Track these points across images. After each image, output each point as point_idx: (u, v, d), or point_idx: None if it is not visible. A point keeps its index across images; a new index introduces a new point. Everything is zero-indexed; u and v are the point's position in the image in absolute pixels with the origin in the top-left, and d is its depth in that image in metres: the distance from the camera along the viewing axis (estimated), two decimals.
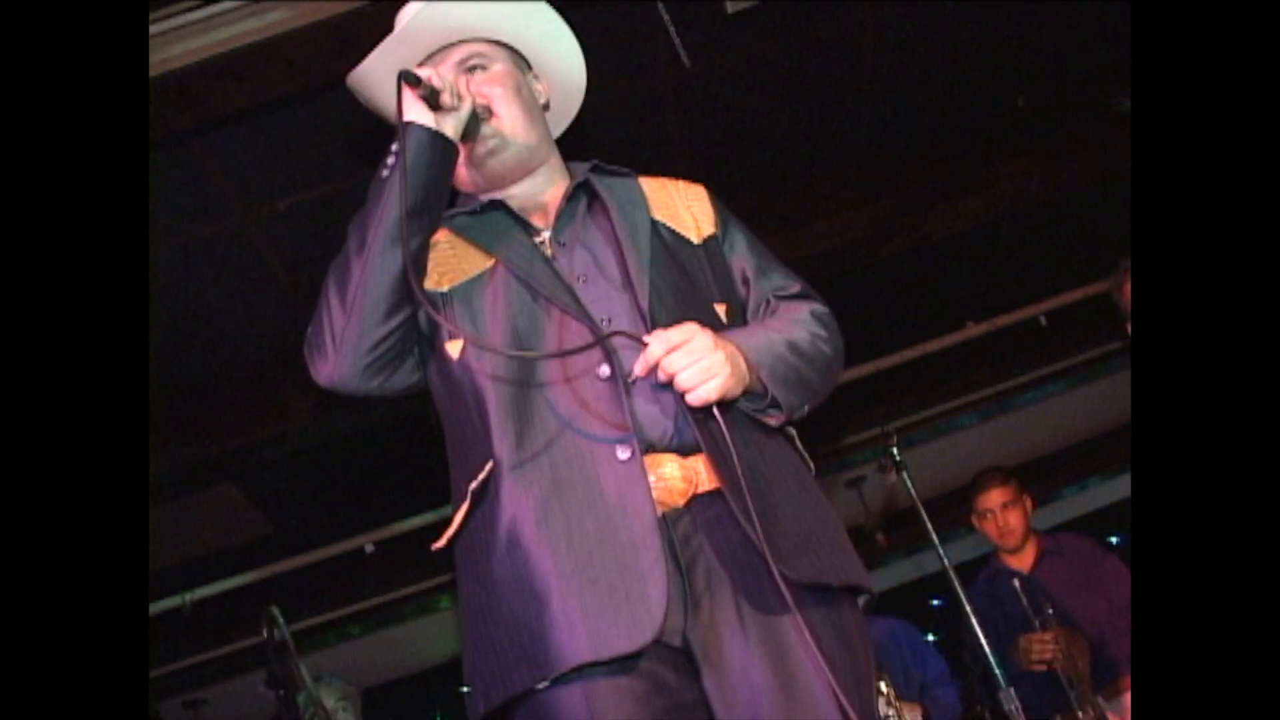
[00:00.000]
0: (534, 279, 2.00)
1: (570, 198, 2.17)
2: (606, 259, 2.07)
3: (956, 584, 3.67)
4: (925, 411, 7.00)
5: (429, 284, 2.05)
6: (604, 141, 4.66)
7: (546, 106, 2.37)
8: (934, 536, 3.68)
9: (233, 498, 6.16)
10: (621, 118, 4.59)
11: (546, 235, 2.12)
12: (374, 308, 1.93)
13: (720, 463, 1.84)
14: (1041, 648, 4.35)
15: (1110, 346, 6.78)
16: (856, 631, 1.91)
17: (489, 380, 1.93)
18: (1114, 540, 8.22)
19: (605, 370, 1.90)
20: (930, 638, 8.12)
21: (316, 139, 4.21)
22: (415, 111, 1.95)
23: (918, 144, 5.17)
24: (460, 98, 2.03)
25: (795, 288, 2.24)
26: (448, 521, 1.94)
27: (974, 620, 3.71)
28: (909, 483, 3.71)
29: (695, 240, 2.20)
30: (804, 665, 1.78)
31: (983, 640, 3.66)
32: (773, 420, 2.00)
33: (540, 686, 1.76)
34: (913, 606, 8.23)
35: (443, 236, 2.12)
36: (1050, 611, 4.41)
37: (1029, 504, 5.05)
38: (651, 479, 1.85)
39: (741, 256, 2.27)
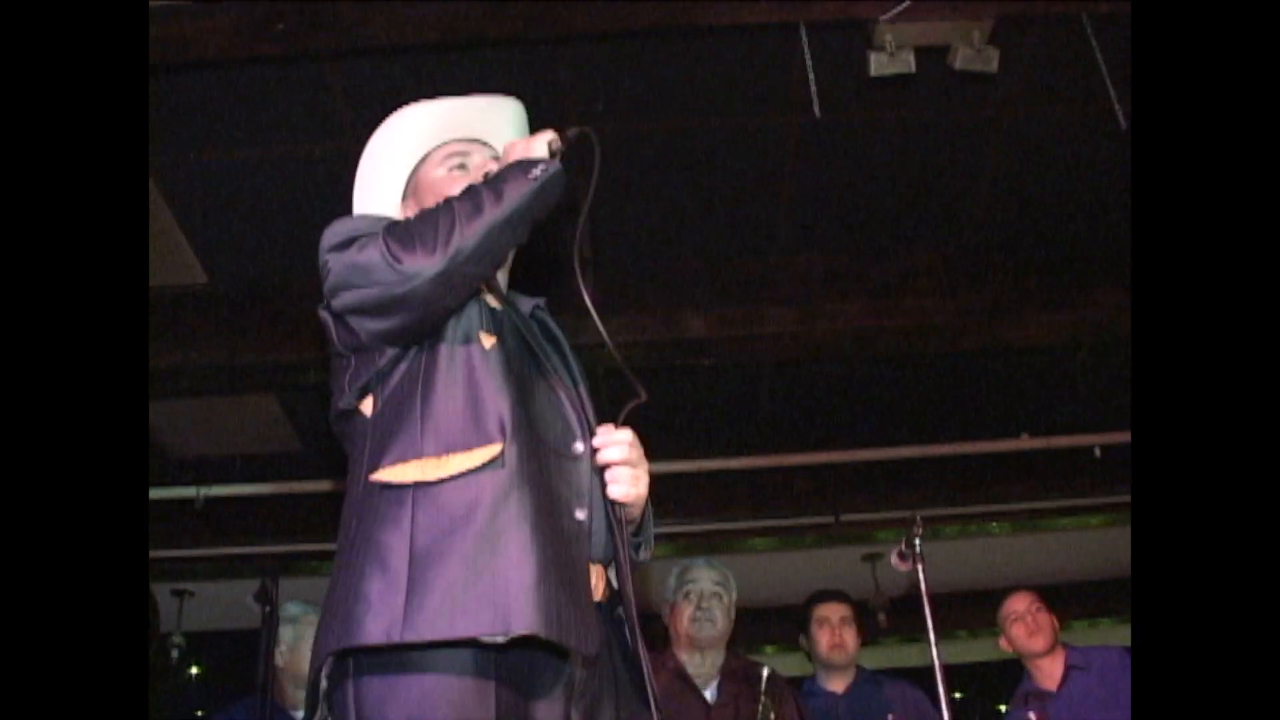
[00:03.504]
0: (531, 334, 2.29)
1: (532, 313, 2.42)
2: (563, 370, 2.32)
3: (941, 686, 3.63)
4: (958, 508, 6.96)
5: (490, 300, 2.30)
6: (718, 167, 4.72)
7: None
8: (932, 633, 3.64)
9: (271, 409, 6.24)
10: (740, 147, 4.62)
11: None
12: (488, 246, 2.09)
13: (623, 578, 2.13)
14: None
15: None
16: None
17: (504, 384, 2.09)
18: None
19: (579, 447, 2.15)
20: None
21: (441, 89, 4.26)
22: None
23: (1021, 248, 5.15)
24: None
25: None
26: None
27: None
28: (922, 575, 3.69)
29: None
30: None
31: None
32: (645, 555, 2.30)
33: (486, 639, 1.82)
34: None
35: None
36: None
37: (1055, 619, 4.98)
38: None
39: None
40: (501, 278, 2.42)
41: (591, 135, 2.23)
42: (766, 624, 8.03)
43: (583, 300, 2.20)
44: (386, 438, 2.06)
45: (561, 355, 2.34)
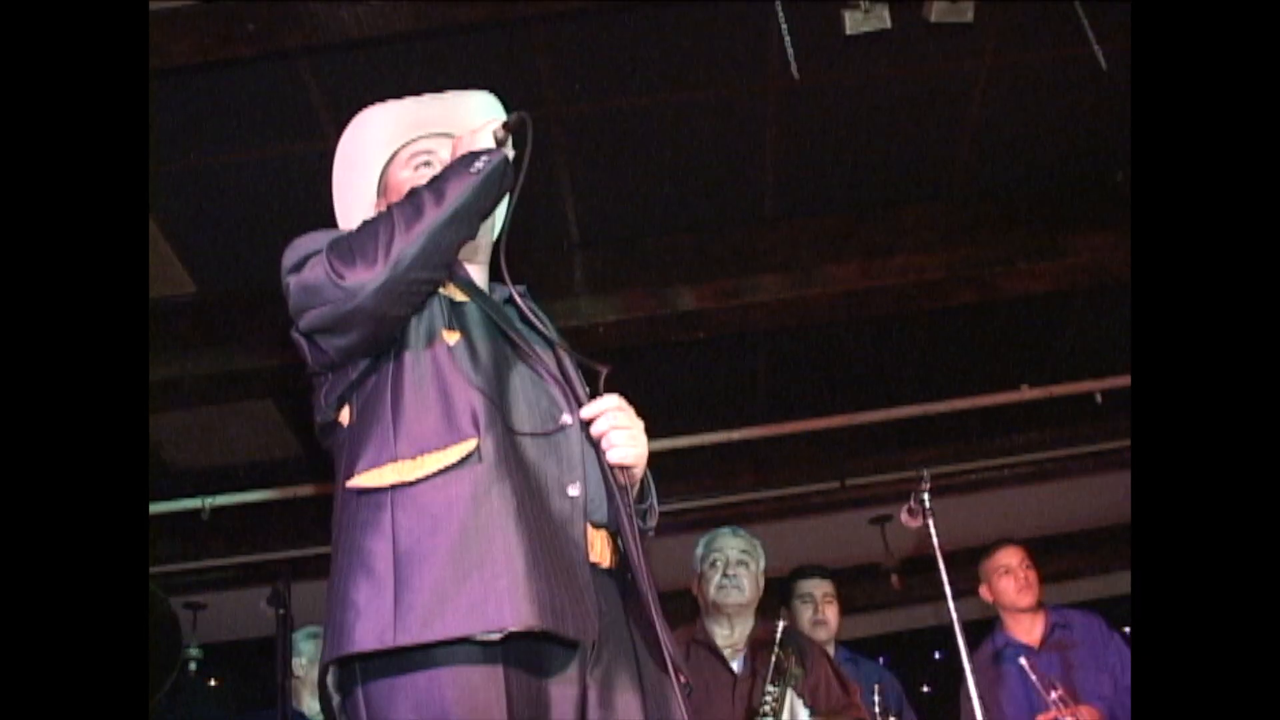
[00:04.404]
0: (504, 320, 2.22)
1: (505, 301, 2.35)
2: (544, 352, 2.27)
3: (962, 643, 3.62)
4: (963, 464, 6.95)
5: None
6: (700, 138, 4.70)
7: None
8: (948, 589, 3.63)
9: (269, 414, 6.23)
10: (720, 116, 4.60)
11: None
12: (432, 249, 2.06)
13: (631, 543, 2.07)
14: None
15: None
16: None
17: (473, 378, 2.07)
18: (1126, 630, 8.16)
19: (567, 419, 2.13)
20: (925, 689, 8.09)
21: (419, 80, 4.23)
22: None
23: (1009, 198, 5.14)
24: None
25: None
26: None
27: (970, 682, 3.66)
28: (933, 529, 3.67)
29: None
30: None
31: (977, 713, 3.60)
32: (651, 522, 2.26)
33: (480, 637, 1.81)
34: (914, 655, 8.18)
35: None
36: (1058, 694, 4.32)
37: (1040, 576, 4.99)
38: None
39: None
40: (477, 272, 2.38)
41: (527, 119, 2.20)
42: (777, 594, 8.04)
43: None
44: (362, 444, 2.05)
45: (544, 335, 2.32)
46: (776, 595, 5.10)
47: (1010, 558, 4.88)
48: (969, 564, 4.92)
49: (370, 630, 1.82)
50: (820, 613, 4.77)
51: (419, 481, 1.95)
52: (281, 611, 3.89)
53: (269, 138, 4.44)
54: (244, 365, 5.16)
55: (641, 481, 2.25)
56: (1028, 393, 6.36)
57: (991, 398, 6.38)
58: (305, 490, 6.54)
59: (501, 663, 1.84)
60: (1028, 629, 4.81)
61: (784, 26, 4.00)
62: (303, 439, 6.49)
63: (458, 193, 2.08)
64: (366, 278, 2.00)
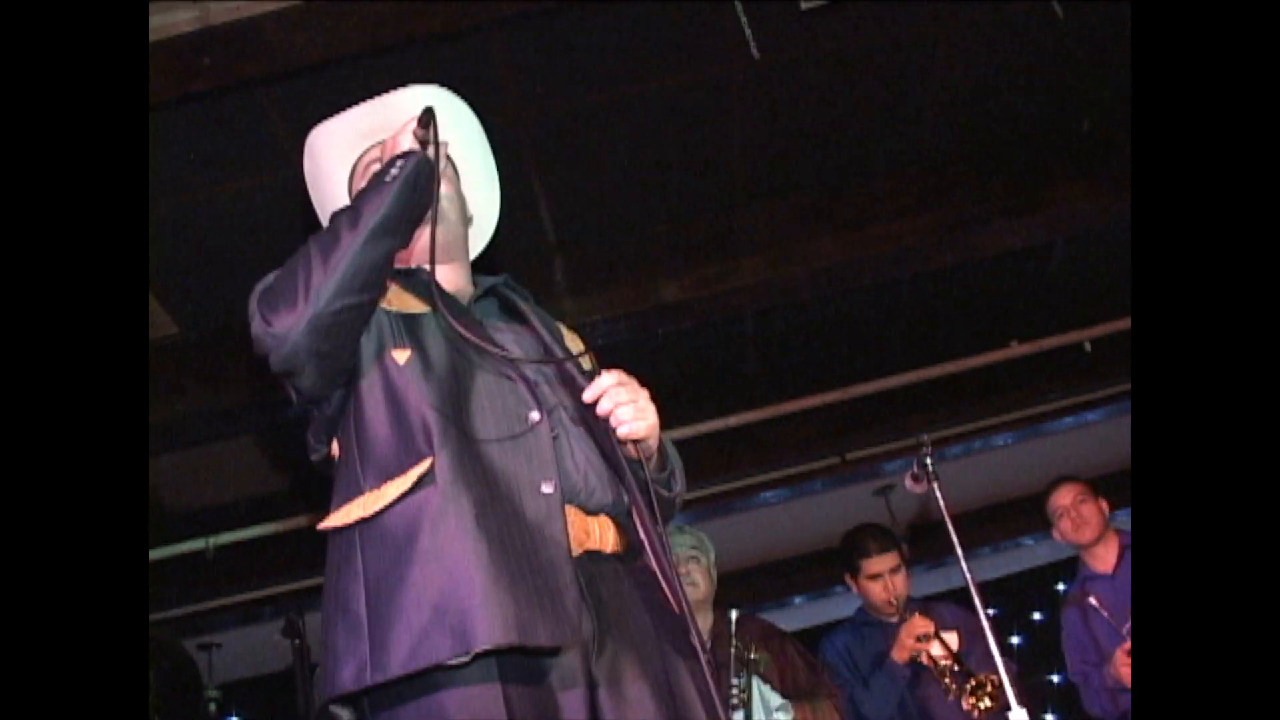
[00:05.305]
0: (469, 327, 2.12)
1: (485, 294, 2.36)
2: (523, 342, 2.28)
3: (978, 601, 3.62)
4: (960, 426, 6.96)
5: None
6: (667, 127, 4.69)
7: (470, 220, 2.55)
8: (959, 550, 3.63)
9: (264, 448, 6.21)
10: (684, 104, 4.59)
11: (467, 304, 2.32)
12: (352, 275, 2.01)
13: (642, 522, 2.10)
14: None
15: None
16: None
17: (427, 393, 2.04)
18: None
19: (535, 415, 2.08)
20: None
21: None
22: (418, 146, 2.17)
23: (979, 157, 5.14)
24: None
25: None
26: None
27: (990, 639, 3.65)
28: (939, 493, 3.66)
29: (585, 365, 2.37)
30: (694, 707, 1.97)
31: (999, 663, 3.59)
32: (677, 489, 2.30)
33: (452, 661, 1.80)
34: None
35: None
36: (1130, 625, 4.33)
37: (1104, 504, 5.01)
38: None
39: None
40: (452, 271, 2.35)
41: (431, 111, 2.18)
42: (790, 574, 8.05)
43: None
44: (337, 480, 2.07)
45: (525, 328, 2.30)
46: (836, 568, 5.05)
47: (1063, 498, 4.98)
48: (975, 525, 4.92)
49: (350, 672, 1.84)
50: (892, 589, 4.61)
51: (380, 513, 1.95)
52: (297, 642, 3.89)
53: (235, 171, 4.41)
54: (234, 401, 5.14)
55: (661, 450, 2.24)
56: (1017, 349, 6.37)
57: (983, 357, 6.38)
58: (308, 520, 6.52)
59: (499, 678, 1.83)
60: (1102, 559, 4.92)
61: (739, 6, 4.00)
62: (297, 471, 6.47)
63: (374, 209, 2.05)
64: (290, 320, 1.98)
